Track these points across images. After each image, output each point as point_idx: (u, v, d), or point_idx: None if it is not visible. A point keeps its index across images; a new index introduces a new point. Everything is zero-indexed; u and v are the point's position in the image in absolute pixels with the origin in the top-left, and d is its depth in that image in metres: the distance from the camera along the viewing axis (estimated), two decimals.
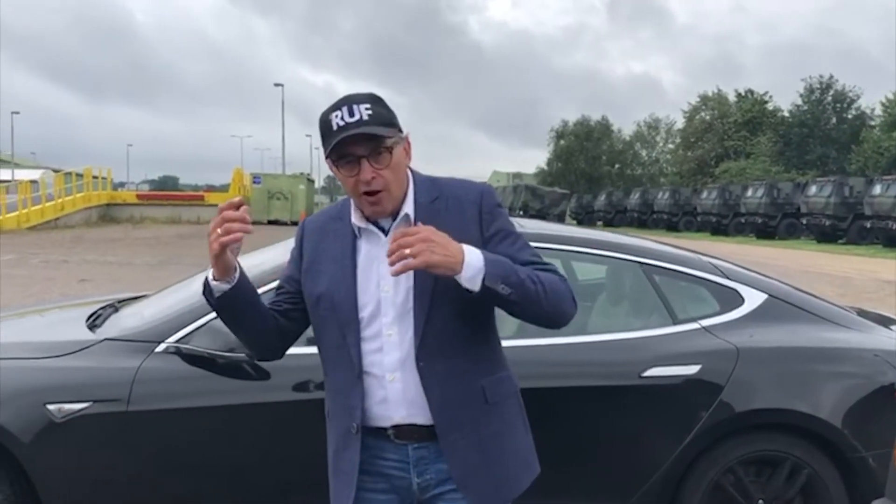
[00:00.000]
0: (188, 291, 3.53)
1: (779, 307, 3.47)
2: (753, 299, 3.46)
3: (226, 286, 1.95)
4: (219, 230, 1.85)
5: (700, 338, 3.30)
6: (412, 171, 2.02)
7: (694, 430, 3.17)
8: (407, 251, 1.76)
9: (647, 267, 3.49)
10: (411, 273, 1.89)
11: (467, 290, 1.83)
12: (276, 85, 57.07)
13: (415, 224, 1.92)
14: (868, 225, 28.33)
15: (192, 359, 3.00)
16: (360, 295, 1.97)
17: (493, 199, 2.02)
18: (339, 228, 2.03)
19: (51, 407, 2.91)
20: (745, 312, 3.41)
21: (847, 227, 30.03)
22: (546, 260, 2.03)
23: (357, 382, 1.97)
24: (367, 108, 1.88)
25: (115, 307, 3.88)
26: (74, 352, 3.07)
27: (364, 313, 1.97)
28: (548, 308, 1.92)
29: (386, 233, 1.96)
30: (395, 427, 1.98)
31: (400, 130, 1.94)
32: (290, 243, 3.56)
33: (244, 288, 1.98)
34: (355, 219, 1.99)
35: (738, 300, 3.44)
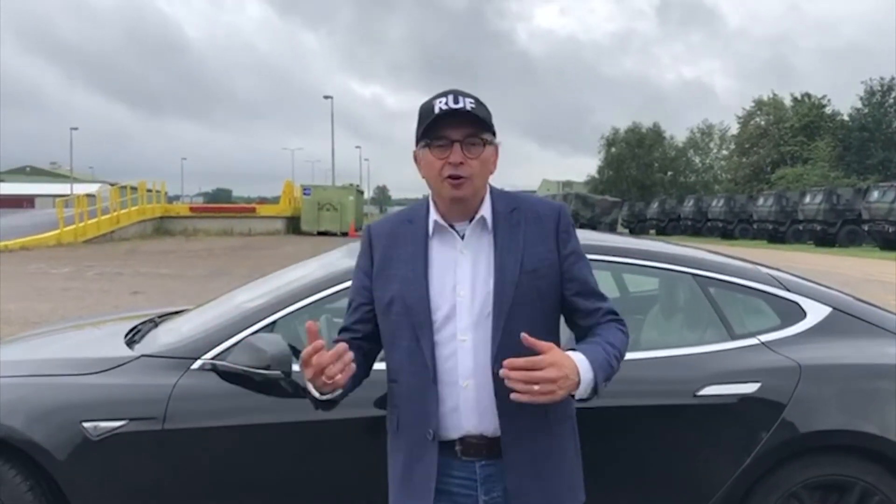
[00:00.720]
0: (226, 306, 3.48)
1: (844, 321, 3.26)
2: (816, 313, 3.25)
3: (335, 394, 1.97)
4: (324, 378, 1.82)
5: (759, 354, 3.11)
6: (489, 183, 2.04)
7: (753, 452, 2.97)
8: (536, 387, 1.76)
9: (701, 279, 3.31)
10: (490, 278, 1.95)
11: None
12: (326, 97, 57.59)
13: (492, 229, 1.98)
14: None
15: (229, 376, 2.92)
16: (434, 297, 1.96)
17: (569, 219, 2.06)
18: (410, 231, 2.03)
19: (87, 425, 2.86)
20: (808, 327, 3.21)
21: None
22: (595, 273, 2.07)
23: (432, 387, 1.95)
24: (471, 102, 1.93)
25: (154, 322, 3.85)
26: (111, 368, 3.02)
27: (437, 315, 1.95)
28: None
29: (462, 236, 1.98)
30: (462, 441, 1.96)
31: (494, 134, 1.99)
32: (330, 256, 3.47)
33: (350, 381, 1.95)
34: (435, 215, 1.99)
35: (800, 314, 3.24)
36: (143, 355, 3.10)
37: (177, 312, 4.10)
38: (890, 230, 29.54)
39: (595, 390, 1.85)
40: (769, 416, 2.99)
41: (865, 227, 31.48)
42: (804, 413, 3.01)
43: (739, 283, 3.30)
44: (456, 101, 1.92)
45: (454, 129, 1.91)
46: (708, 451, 3.02)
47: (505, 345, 1.91)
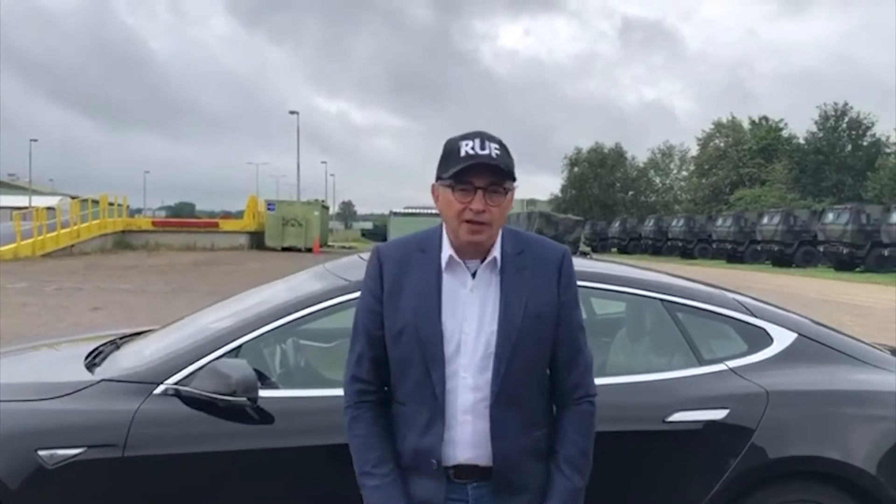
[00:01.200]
0: (191, 329, 3.40)
1: (809, 347, 3.30)
2: (783, 339, 3.28)
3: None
4: None
5: (728, 380, 3.13)
6: None
7: (722, 478, 2.98)
8: None
9: (669, 304, 3.32)
10: (495, 317, 2.00)
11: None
12: (292, 112, 57.24)
13: (500, 271, 2.03)
14: (886, 253, 28.03)
15: (193, 401, 2.84)
16: (446, 332, 2.00)
17: (571, 263, 2.10)
18: (423, 260, 2.06)
19: (42, 453, 2.75)
20: (775, 353, 3.24)
21: (865, 255, 29.71)
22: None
23: (438, 419, 2.00)
24: (496, 148, 1.97)
25: (116, 344, 3.75)
26: (69, 393, 2.92)
27: (447, 352, 2.00)
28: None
29: (473, 274, 2.03)
30: (455, 467, 2.03)
31: (514, 179, 2.00)
32: (296, 279, 3.43)
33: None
34: (449, 250, 2.03)
35: (767, 340, 3.27)
36: (103, 379, 3.01)
37: (139, 333, 4.00)
38: (844, 251, 30.20)
39: None
40: (738, 443, 3.00)
41: (821, 248, 32.18)
42: (772, 439, 3.02)
43: (707, 309, 3.32)
44: (483, 147, 1.95)
45: (479, 175, 1.95)
46: (677, 477, 3.02)
47: (504, 387, 1.98)
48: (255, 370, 2.83)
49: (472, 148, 1.95)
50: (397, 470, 2.06)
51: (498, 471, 2.02)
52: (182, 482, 2.84)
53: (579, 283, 3.30)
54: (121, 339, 3.89)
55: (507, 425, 2.00)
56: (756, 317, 3.34)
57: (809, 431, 3.07)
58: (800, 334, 3.32)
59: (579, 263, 3.70)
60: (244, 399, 2.75)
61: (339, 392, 2.63)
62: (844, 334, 3.54)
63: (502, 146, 2.00)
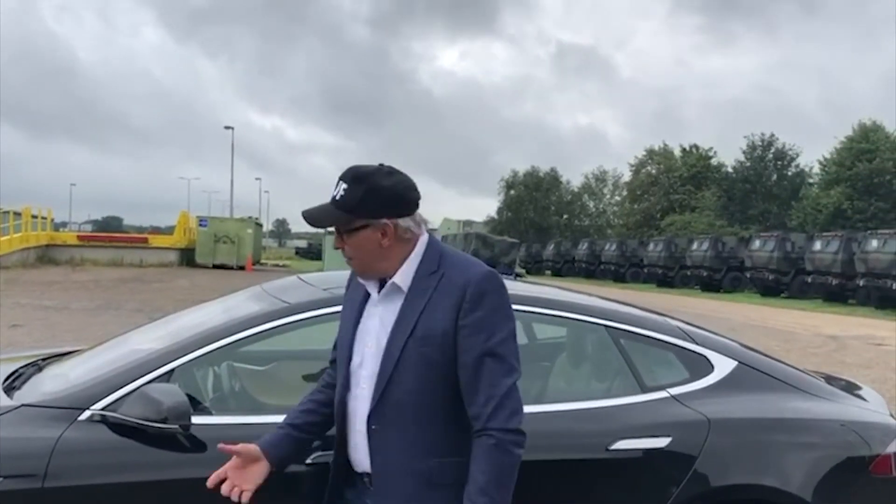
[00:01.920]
0: (120, 351, 3.24)
1: (749, 375, 3.32)
2: (723, 366, 3.30)
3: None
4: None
5: (670, 407, 3.12)
6: (431, 243, 2.14)
7: None
8: None
9: (613, 330, 3.31)
10: (386, 335, 2.09)
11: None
12: (227, 128, 56.57)
13: (406, 295, 2.09)
14: (809, 279, 29.00)
15: (121, 429, 2.68)
16: (356, 344, 2.18)
17: (481, 288, 2.03)
18: (359, 283, 2.23)
19: None
20: (716, 380, 3.25)
21: (789, 282, 30.71)
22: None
23: (344, 424, 2.20)
24: (343, 188, 2.06)
25: (38, 366, 3.55)
26: None
27: (354, 362, 2.17)
28: (514, 480, 2.05)
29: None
30: (367, 475, 2.15)
31: (369, 216, 2.05)
32: (233, 300, 3.42)
33: (287, 448, 2.37)
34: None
35: (708, 367, 3.28)
36: (23, 405, 2.83)
37: (63, 355, 3.80)
38: (770, 277, 31.17)
39: None
40: (680, 470, 2.99)
41: (748, 274, 33.10)
42: (713, 467, 3.02)
43: (650, 336, 3.31)
44: (335, 188, 2.08)
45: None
46: None
47: (382, 406, 2.06)
48: (188, 395, 2.70)
49: (333, 190, 2.10)
50: (292, 431, 2.35)
51: (377, 488, 2.10)
52: None
53: (521, 307, 3.30)
54: (43, 360, 3.69)
55: (387, 445, 2.06)
56: (698, 344, 3.35)
57: (749, 459, 3.08)
58: (740, 362, 3.34)
59: (521, 287, 3.68)
60: (176, 426, 2.62)
61: (276, 418, 2.55)
62: (782, 362, 3.58)
63: (354, 181, 2.05)
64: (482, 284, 2.03)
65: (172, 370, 2.87)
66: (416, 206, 2.13)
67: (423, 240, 2.14)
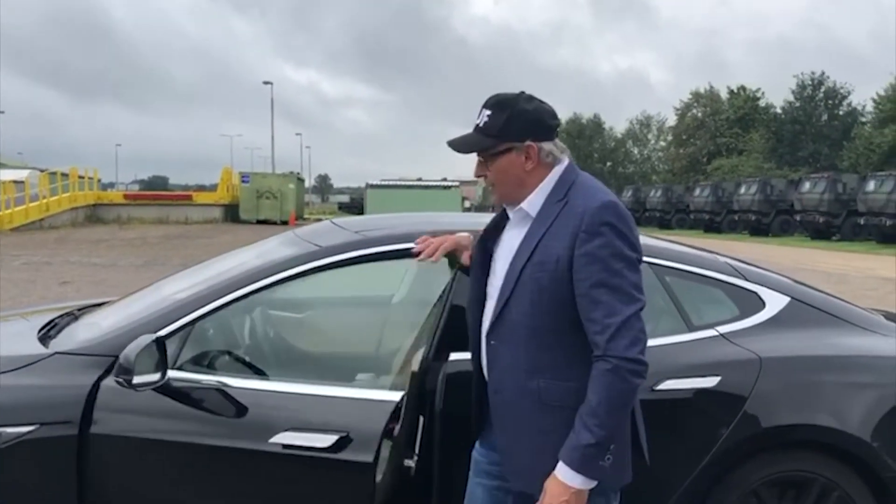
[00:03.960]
0: (153, 298, 3.20)
1: (802, 311, 3.16)
2: (775, 303, 3.14)
3: None
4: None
5: (719, 346, 2.99)
6: (569, 170, 2.16)
7: (713, 449, 2.85)
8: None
9: (657, 268, 3.16)
10: (510, 259, 2.15)
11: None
12: (266, 83, 56.61)
13: (535, 220, 2.14)
14: (862, 221, 28.20)
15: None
16: (493, 264, 2.26)
17: (597, 219, 2.02)
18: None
19: None
20: (767, 317, 3.10)
21: (841, 224, 29.90)
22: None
23: (478, 339, 2.28)
24: (487, 114, 2.15)
25: (74, 315, 3.54)
26: (19, 368, 2.71)
27: (491, 281, 2.24)
28: (626, 414, 2.08)
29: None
30: None
31: (514, 139, 2.12)
32: (268, 244, 3.40)
33: None
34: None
35: (759, 304, 3.13)
36: (57, 352, 2.81)
37: (99, 305, 3.79)
38: (820, 220, 30.37)
39: (595, 472, 1.99)
40: (730, 412, 2.87)
41: (797, 218, 32.29)
42: (765, 407, 2.89)
43: (697, 273, 3.16)
44: (478, 116, 2.16)
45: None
46: (667, 447, 2.88)
47: (501, 320, 2.13)
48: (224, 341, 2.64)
49: (476, 118, 2.17)
50: None
51: (494, 403, 2.19)
52: (144, 466, 2.65)
53: None
54: (79, 310, 3.68)
55: (501, 361, 2.15)
56: (748, 280, 3.19)
57: (803, 398, 2.94)
58: (793, 298, 3.18)
59: None
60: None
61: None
62: (837, 298, 3.41)
63: (497, 107, 2.13)
64: (600, 214, 2.02)
65: (203, 315, 2.82)
66: (556, 132, 2.20)
67: (560, 168, 2.18)
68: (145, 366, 2.50)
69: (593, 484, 2.00)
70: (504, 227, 2.27)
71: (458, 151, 2.19)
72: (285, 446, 2.56)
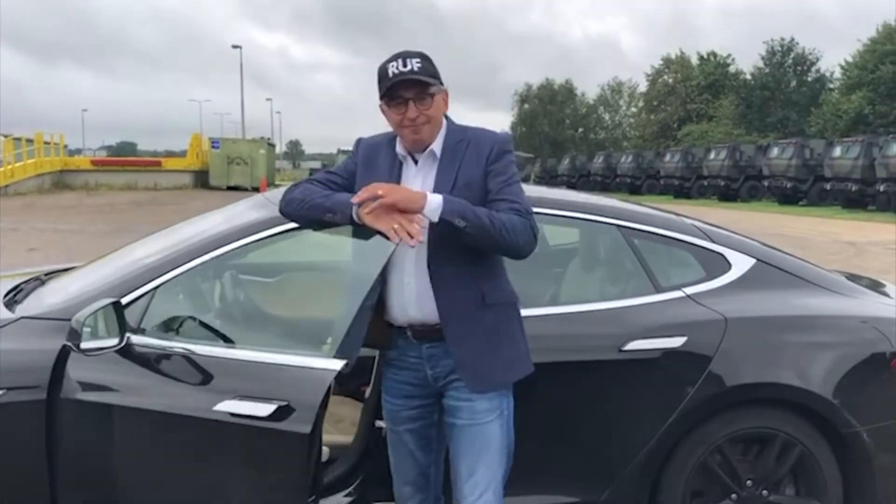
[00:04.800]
0: (120, 262, 3.17)
1: (768, 272, 3.22)
2: (741, 264, 3.20)
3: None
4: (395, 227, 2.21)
5: (685, 307, 3.04)
6: (448, 119, 2.47)
7: (679, 407, 2.92)
8: (380, 191, 2.24)
9: (625, 230, 3.20)
10: (430, 190, 2.33)
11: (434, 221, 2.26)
12: (234, 47, 55.28)
13: (439, 158, 2.41)
14: (828, 187, 28.54)
15: None
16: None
17: (503, 146, 2.44)
18: (386, 154, 2.48)
19: None
20: (733, 279, 3.16)
21: (808, 190, 30.25)
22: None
23: (390, 281, 2.42)
24: (417, 62, 2.34)
25: (41, 280, 3.50)
26: None
27: None
28: (502, 241, 2.28)
29: (417, 163, 2.44)
30: (411, 328, 2.41)
31: (441, 83, 2.40)
32: (237, 208, 3.40)
33: None
34: (399, 148, 2.45)
35: (725, 265, 3.18)
36: (22, 317, 2.79)
37: (66, 270, 3.75)
38: (787, 185, 30.69)
39: (444, 219, 2.23)
40: (696, 371, 2.93)
41: (766, 183, 32.61)
42: (729, 366, 2.96)
43: (665, 235, 3.21)
44: (405, 65, 2.32)
45: (406, 89, 2.33)
46: (634, 406, 2.95)
47: (437, 252, 2.34)
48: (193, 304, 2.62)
49: (397, 67, 2.32)
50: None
51: (444, 318, 2.35)
52: (111, 431, 2.62)
53: (534, 209, 3.19)
54: (46, 275, 3.63)
55: (445, 279, 2.35)
56: (714, 242, 3.24)
57: (767, 357, 3.01)
58: (758, 260, 3.24)
59: (534, 189, 3.55)
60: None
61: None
62: (802, 259, 3.47)
63: (423, 58, 2.37)
64: (504, 144, 2.45)
65: (170, 279, 2.80)
66: None
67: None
68: (99, 330, 2.48)
69: (436, 213, 2.23)
70: (387, 176, 2.42)
71: (420, 77, 2.33)
72: (232, 415, 2.44)
